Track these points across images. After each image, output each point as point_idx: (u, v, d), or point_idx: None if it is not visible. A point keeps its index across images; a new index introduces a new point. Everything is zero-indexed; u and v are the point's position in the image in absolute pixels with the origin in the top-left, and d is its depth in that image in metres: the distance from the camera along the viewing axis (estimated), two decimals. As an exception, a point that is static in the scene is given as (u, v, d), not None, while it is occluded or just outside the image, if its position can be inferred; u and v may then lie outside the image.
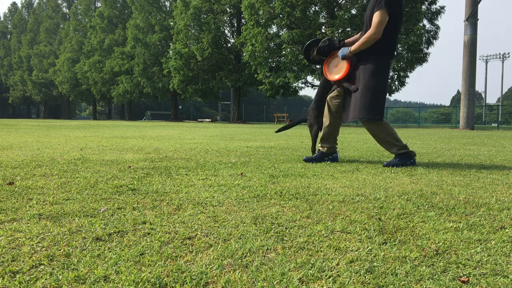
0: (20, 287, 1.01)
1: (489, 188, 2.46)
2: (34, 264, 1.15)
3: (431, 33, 26.42)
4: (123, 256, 1.22)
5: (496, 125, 33.29)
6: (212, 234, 1.46)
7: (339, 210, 1.85)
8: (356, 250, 1.31)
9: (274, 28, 26.66)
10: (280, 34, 25.87)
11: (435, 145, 6.61)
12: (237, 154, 4.42)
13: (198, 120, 43.73)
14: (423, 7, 24.94)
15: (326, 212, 1.81)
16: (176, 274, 1.10)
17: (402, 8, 3.46)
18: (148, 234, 1.45)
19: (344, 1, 24.83)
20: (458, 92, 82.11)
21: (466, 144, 6.86)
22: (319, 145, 3.87)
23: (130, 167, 3.19)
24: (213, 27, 31.21)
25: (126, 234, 1.44)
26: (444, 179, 2.80)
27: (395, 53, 3.62)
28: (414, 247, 1.34)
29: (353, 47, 3.55)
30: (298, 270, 1.14)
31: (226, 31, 34.69)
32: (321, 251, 1.29)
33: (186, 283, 1.05)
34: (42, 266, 1.14)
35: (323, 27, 24.92)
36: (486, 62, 64.18)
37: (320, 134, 3.86)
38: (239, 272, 1.12)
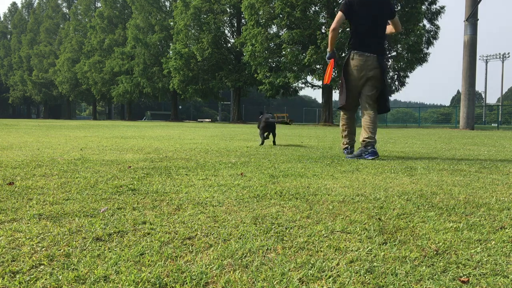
0: (20, 287, 1.01)
1: (489, 188, 2.46)
2: (34, 264, 1.15)
3: (431, 33, 26.43)
4: (123, 256, 1.22)
5: (496, 125, 33.30)
6: (212, 234, 1.46)
7: (339, 210, 1.85)
8: (356, 250, 1.31)
9: (274, 28, 26.67)
10: (280, 34, 25.87)
11: (435, 145, 6.61)
12: (237, 154, 4.42)
13: (198, 120, 43.73)
14: (423, 7, 24.94)
15: (326, 212, 1.81)
16: (176, 274, 1.10)
17: None
18: (148, 234, 1.45)
19: (344, 1, 24.82)
20: (458, 92, 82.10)
21: (466, 144, 6.86)
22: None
23: (130, 167, 3.19)
24: (213, 27, 31.22)
25: (126, 234, 1.44)
26: (444, 179, 2.80)
27: None
28: (414, 247, 1.34)
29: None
30: (298, 270, 1.14)
31: (226, 31, 34.71)
32: (321, 251, 1.29)
33: (186, 283, 1.05)
34: (42, 266, 1.14)
35: (323, 27, 24.91)
36: (486, 62, 64.20)
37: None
38: (239, 272, 1.12)
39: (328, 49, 4.29)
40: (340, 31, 22.63)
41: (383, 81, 4.14)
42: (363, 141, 4.05)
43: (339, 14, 4.14)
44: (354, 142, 4.40)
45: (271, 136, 5.92)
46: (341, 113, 4.40)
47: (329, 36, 4.22)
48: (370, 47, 4.10)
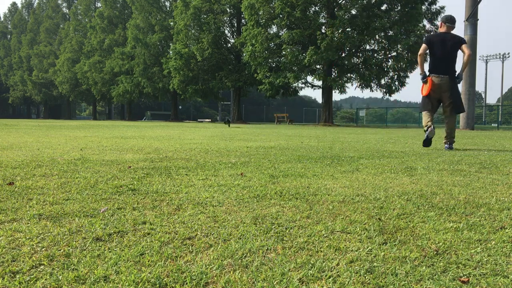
0: (20, 287, 1.01)
1: (489, 188, 2.46)
2: (34, 264, 1.15)
3: (431, 33, 26.39)
4: (123, 256, 1.22)
5: (496, 125, 33.28)
6: (212, 234, 1.46)
7: (339, 210, 1.85)
8: (356, 250, 1.31)
9: (274, 28, 26.64)
10: (280, 34, 25.84)
11: (435, 145, 6.61)
12: (237, 154, 4.42)
13: (198, 120, 43.70)
14: (423, 7, 24.93)
15: (326, 212, 1.81)
16: (176, 274, 1.10)
17: None
18: (148, 234, 1.45)
19: (344, 1, 24.83)
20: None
21: (466, 144, 6.86)
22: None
23: (130, 167, 3.19)
24: (213, 27, 31.19)
25: (126, 234, 1.44)
26: (444, 179, 2.80)
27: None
28: (414, 247, 1.34)
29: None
30: (298, 270, 1.14)
31: (226, 31, 34.67)
32: (321, 251, 1.29)
33: (186, 283, 1.05)
34: (42, 266, 1.14)
35: (323, 27, 24.90)
36: (486, 62, 64.18)
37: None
38: (239, 272, 1.12)
39: (420, 72, 5.77)
40: (340, 30, 22.79)
41: (454, 94, 5.57)
42: (444, 137, 5.75)
43: (423, 45, 5.76)
44: (433, 124, 5.59)
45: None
46: (425, 112, 5.74)
47: (418, 60, 5.75)
48: (443, 70, 5.55)
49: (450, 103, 5.61)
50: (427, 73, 5.74)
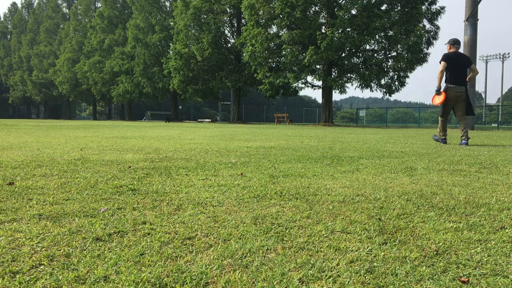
0: (20, 287, 1.01)
1: (489, 188, 2.46)
2: (34, 264, 1.15)
3: (431, 33, 26.41)
4: (123, 256, 1.22)
5: (496, 125, 33.28)
6: (212, 234, 1.46)
7: (339, 210, 1.85)
8: (356, 250, 1.31)
9: (274, 29, 26.64)
10: (280, 34, 25.85)
11: (435, 145, 6.61)
12: (237, 154, 4.42)
13: (198, 120, 43.67)
14: (423, 7, 24.92)
15: (326, 212, 1.81)
16: (176, 274, 1.10)
17: None
18: (148, 234, 1.45)
19: (344, 1, 24.83)
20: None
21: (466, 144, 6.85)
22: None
23: (130, 167, 3.19)
24: (213, 27, 31.19)
25: (126, 234, 1.44)
26: (444, 179, 2.80)
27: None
28: (414, 247, 1.34)
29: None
30: (298, 270, 1.14)
31: (226, 31, 34.67)
32: (321, 251, 1.29)
33: (186, 283, 1.05)
34: (42, 266, 1.14)
35: (323, 27, 24.89)
36: (486, 62, 64.16)
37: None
38: (239, 272, 1.12)
39: (437, 85, 6.88)
40: (340, 30, 22.80)
41: (468, 100, 6.84)
42: (461, 136, 6.86)
43: (442, 63, 6.79)
44: (446, 135, 6.95)
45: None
46: (441, 118, 7.09)
47: (438, 76, 6.86)
48: (458, 82, 6.75)
49: (464, 108, 6.82)
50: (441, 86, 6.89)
